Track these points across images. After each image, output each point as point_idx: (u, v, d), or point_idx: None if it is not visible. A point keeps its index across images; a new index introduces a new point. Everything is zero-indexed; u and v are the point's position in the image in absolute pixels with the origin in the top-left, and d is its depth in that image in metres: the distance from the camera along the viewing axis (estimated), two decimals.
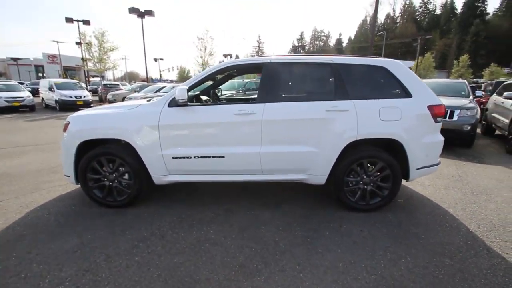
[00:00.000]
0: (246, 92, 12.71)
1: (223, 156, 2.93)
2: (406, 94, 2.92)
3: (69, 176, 3.15)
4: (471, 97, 7.11)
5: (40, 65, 51.67)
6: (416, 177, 3.10)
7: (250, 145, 2.92)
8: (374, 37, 17.17)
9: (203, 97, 3.95)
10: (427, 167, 3.06)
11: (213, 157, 2.94)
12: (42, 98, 17.27)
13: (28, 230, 2.70)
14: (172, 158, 2.96)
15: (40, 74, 48.62)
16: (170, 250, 2.35)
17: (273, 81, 2.94)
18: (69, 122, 3.09)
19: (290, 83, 3.10)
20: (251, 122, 2.86)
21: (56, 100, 15.22)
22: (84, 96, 15.53)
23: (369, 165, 3.01)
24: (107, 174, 3.08)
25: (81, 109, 5.19)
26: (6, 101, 13.88)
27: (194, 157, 2.95)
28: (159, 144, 2.93)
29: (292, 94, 3.07)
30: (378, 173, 3.01)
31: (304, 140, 2.90)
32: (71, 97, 15.11)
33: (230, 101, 4.77)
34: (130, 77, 72.25)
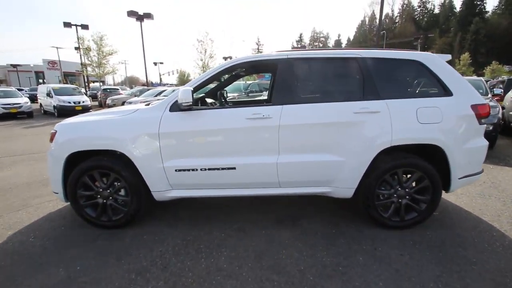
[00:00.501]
0: (249, 94, 12.34)
1: (234, 168, 2.52)
2: (446, 92, 2.51)
3: (57, 193, 2.74)
4: (489, 96, 6.69)
5: (40, 71, 51.68)
6: (458, 188, 2.68)
7: (266, 154, 2.51)
8: (379, 35, 16.81)
9: (209, 100, 3.55)
10: (470, 175, 2.64)
11: (223, 168, 2.53)
12: (41, 104, 16.98)
13: (7, 259, 2.29)
14: (175, 170, 2.55)
15: (41, 80, 48.63)
16: (174, 286, 1.93)
17: (290, 79, 2.53)
18: (56, 131, 2.69)
19: (310, 82, 2.69)
20: (266, 127, 2.46)
21: (54, 106, 14.88)
22: (83, 102, 15.18)
23: (404, 175, 2.59)
24: (100, 190, 2.67)
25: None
26: (3, 108, 13.59)
27: (201, 169, 2.54)
28: (159, 155, 2.52)
29: (313, 94, 2.67)
30: (415, 184, 2.59)
31: (329, 147, 2.49)
32: (69, 102, 14.75)
33: (239, 103, 4.35)
34: (131, 81, 72.18)
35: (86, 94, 22.42)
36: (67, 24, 21.76)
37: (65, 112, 14.48)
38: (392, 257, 2.23)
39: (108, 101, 17.04)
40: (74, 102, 14.87)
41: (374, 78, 2.50)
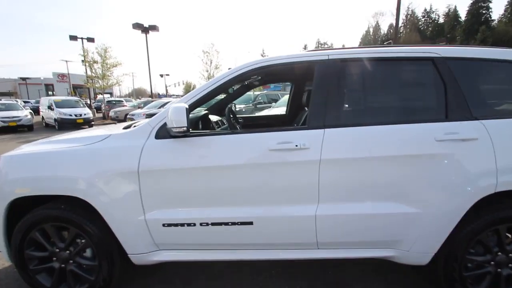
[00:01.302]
0: (257, 106, 11.58)
1: (250, 223, 1.68)
2: None
3: (0, 251, 1.94)
4: None
5: (50, 84, 52.72)
6: None
7: (299, 203, 1.67)
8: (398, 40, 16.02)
9: (213, 118, 2.74)
10: None
11: (234, 223, 1.69)
12: (43, 117, 16.60)
13: None
14: (163, 225, 1.72)
15: (50, 93, 49.41)
16: None
17: (335, 91, 1.70)
18: None
19: (365, 94, 1.85)
20: (301, 163, 1.63)
21: (55, 119, 14.43)
22: (85, 114, 14.71)
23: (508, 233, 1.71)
24: (57, 250, 1.85)
25: (83, 128, 3.99)
26: (2, 121, 13.18)
27: (201, 224, 1.70)
28: (139, 203, 1.70)
29: (370, 113, 1.82)
30: None
31: (395, 193, 1.64)
32: (70, 115, 14.29)
33: (254, 123, 3.39)
34: (138, 93, 72.76)
35: (90, 106, 22.26)
36: (73, 37, 21.61)
37: (66, 125, 14.05)
38: None
39: (111, 114, 16.52)
40: (76, 115, 14.42)
41: (461, 88, 1.66)
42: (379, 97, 1.80)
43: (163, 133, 1.69)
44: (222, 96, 3.29)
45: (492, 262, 1.71)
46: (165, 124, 1.68)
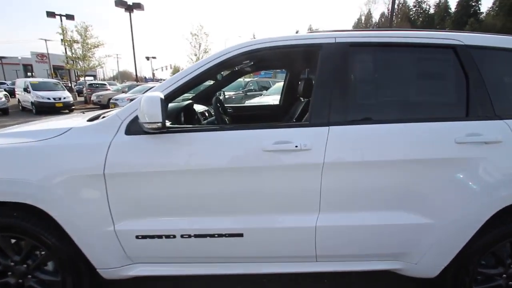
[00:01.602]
0: (247, 94, 11.19)
1: (240, 235, 1.45)
2: None
3: None
4: None
5: (28, 64, 49.58)
6: None
7: (297, 212, 1.45)
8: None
9: (198, 108, 2.43)
10: None
11: (221, 235, 1.45)
12: (19, 99, 15.56)
13: None
14: (137, 237, 1.46)
15: (29, 74, 46.64)
16: None
17: (342, 81, 1.44)
18: None
19: (376, 86, 1.59)
20: (300, 167, 1.39)
21: (32, 102, 13.53)
22: (65, 98, 13.85)
23: None
24: (11, 264, 1.56)
25: (63, 112, 3.59)
26: None
27: (182, 236, 1.46)
28: (107, 212, 1.43)
29: (381, 108, 1.57)
30: None
31: (407, 202, 1.44)
32: (48, 98, 13.42)
33: (245, 113, 3.09)
34: (123, 76, 69.96)
35: (72, 89, 21.05)
36: (50, 14, 20.09)
37: (44, 109, 13.21)
38: None
39: (93, 98, 15.70)
40: (54, 99, 13.54)
41: (485, 81, 1.44)
42: (392, 90, 1.55)
43: (135, 127, 1.40)
44: (210, 82, 2.97)
45: (504, 275, 1.57)
46: (137, 117, 1.38)
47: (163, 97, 1.26)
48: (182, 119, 1.97)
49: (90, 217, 1.42)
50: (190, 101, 2.32)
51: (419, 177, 1.40)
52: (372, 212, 1.44)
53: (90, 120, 1.62)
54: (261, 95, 9.92)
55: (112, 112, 1.56)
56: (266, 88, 11.01)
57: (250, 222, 1.44)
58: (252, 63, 2.23)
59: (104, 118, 1.49)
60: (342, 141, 1.39)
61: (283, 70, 3.48)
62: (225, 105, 3.31)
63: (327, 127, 1.39)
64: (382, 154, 1.38)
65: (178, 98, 1.69)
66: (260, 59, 2.16)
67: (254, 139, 1.40)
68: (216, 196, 1.42)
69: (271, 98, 7.48)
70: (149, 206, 1.44)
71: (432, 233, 1.46)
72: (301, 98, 2.73)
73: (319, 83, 1.45)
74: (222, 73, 2.60)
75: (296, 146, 1.34)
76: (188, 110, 2.18)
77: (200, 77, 1.49)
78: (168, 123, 1.55)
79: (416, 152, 1.39)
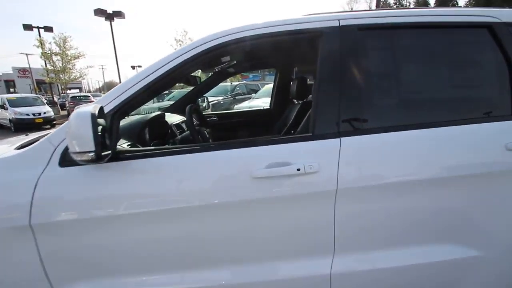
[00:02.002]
0: (236, 98, 10.81)
1: None
2: None
3: None
4: None
5: (10, 80, 48.05)
6: None
7: (304, 257, 1.07)
8: None
9: (173, 119, 2.02)
10: None
11: None
12: None
13: None
14: None
15: (12, 90, 45.26)
16: None
17: (353, 76, 1.07)
18: None
19: (397, 81, 1.21)
20: (306, 197, 1.01)
21: (10, 120, 12.84)
22: (44, 113, 13.20)
23: None
24: None
25: (44, 128, 3.06)
26: None
27: None
28: (41, 273, 1.01)
29: (406, 109, 1.18)
30: None
31: (445, 230, 1.07)
32: (27, 114, 12.76)
33: (234, 120, 2.65)
34: (109, 87, 68.62)
35: (55, 103, 20.23)
36: (27, 27, 19.32)
37: (23, 125, 12.51)
38: None
39: None
40: (34, 114, 12.89)
41: None
42: (418, 86, 1.18)
43: (70, 158, 1.00)
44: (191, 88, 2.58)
45: None
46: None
47: (96, 112, 0.86)
48: (147, 136, 1.55)
49: (17, 281, 1.01)
50: (159, 112, 1.89)
51: (456, 196, 1.05)
52: (403, 248, 1.08)
53: (19, 147, 1.21)
54: (250, 98, 9.59)
55: (42, 136, 1.15)
56: (255, 91, 10.68)
57: (238, 275, 1.05)
58: (234, 62, 1.85)
59: (32, 145, 1.08)
60: (361, 157, 1.02)
61: (271, 72, 3.11)
62: (210, 112, 2.93)
63: (338, 139, 1.03)
64: (414, 171, 1.02)
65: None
66: (241, 54, 1.76)
67: (240, 162, 1.02)
68: (188, 244, 1.03)
69: (261, 101, 7.16)
70: (99, 263, 1.04)
71: (479, 268, 1.11)
72: (295, 100, 2.38)
73: (322, 80, 1.08)
74: (200, 76, 2.22)
75: (299, 169, 0.97)
76: (157, 123, 1.75)
77: (162, 81, 1.09)
78: (124, 145, 1.16)
79: (458, 165, 1.03)
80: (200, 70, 2.53)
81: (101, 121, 0.92)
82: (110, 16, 17.85)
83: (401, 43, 1.13)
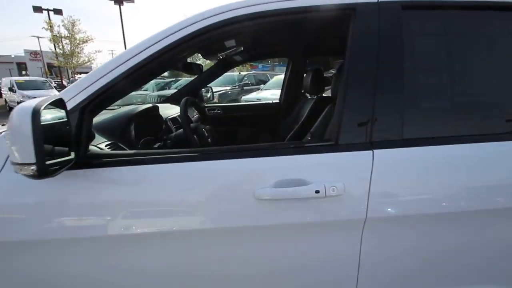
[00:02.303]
0: (244, 88, 10.52)
1: None
2: None
3: None
4: None
5: (22, 63, 48.71)
6: None
7: None
8: None
9: (173, 111, 1.79)
10: None
11: None
12: (5, 99, 14.94)
13: None
14: None
15: (24, 72, 45.95)
16: None
17: (392, 69, 0.81)
18: None
19: (450, 77, 0.92)
20: (325, 226, 0.77)
21: (18, 102, 12.91)
22: None
23: None
24: None
25: None
26: None
27: None
28: None
29: (463, 114, 0.89)
30: None
31: (495, 268, 0.83)
32: (35, 97, 12.76)
33: (238, 115, 2.38)
34: None
35: (63, 87, 20.35)
36: (37, 9, 19.31)
37: None
38: None
39: None
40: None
41: None
42: (483, 86, 0.90)
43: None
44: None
45: None
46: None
47: (41, 108, 0.63)
48: (133, 133, 1.29)
49: None
50: (150, 104, 1.62)
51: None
52: None
53: None
54: (258, 89, 9.33)
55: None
56: (264, 82, 10.37)
57: None
58: (241, 48, 1.58)
59: None
60: (400, 176, 0.78)
61: (281, 63, 2.82)
62: (214, 104, 2.68)
63: (370, 151, 0.78)
64: (475, 198, 0.77)
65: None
66: (249, 37, 1.48)
67: (239, 176, 0.78)
68: (174, 274, 0.82)
69: (270, 92, 6.89)
70: None
71: None
72: (307, 95, 2.13)
73: (352, 73, 0.82)
74: (203, 64, 1.97)
75: (317, 192, 0.73)
76: (149, 118, 1.48)
77: (150, 63, 0.85)
78: (103, 145, 0.95)
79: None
80: (203, 59, 2.28)
81: (58, 116, 0.70)
82: (119, 0, 17.62)
83: (462, 29, 0.86)
